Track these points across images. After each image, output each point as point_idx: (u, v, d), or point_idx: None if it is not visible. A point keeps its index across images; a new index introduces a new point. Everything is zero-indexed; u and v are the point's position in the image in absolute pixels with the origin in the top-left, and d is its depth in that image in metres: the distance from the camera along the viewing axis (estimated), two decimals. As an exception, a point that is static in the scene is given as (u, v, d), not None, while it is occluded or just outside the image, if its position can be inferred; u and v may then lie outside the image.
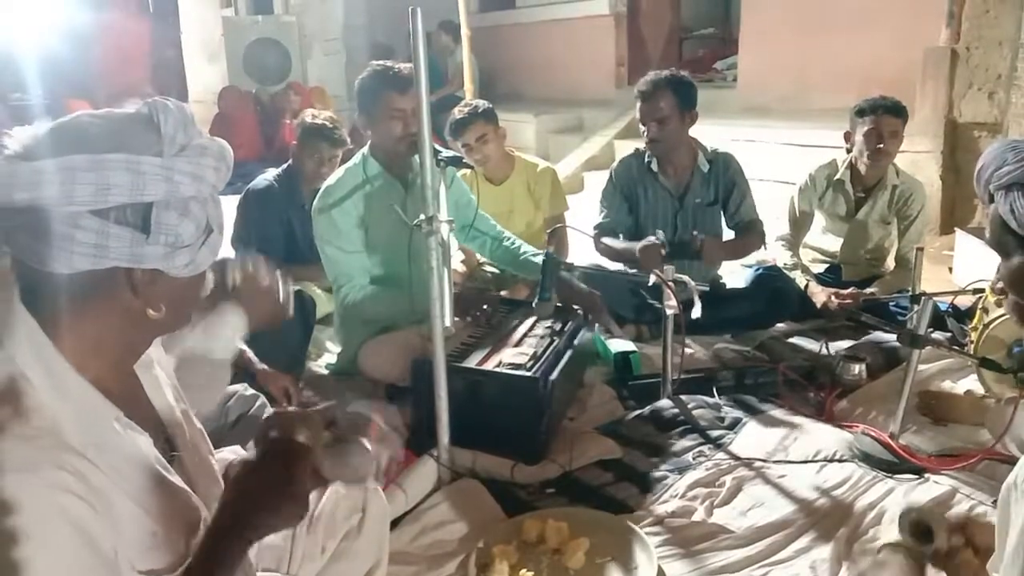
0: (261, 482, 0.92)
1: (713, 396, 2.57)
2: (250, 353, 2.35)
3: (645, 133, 3.10)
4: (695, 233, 3.00)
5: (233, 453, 1.26)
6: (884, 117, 3.15)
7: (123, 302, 0.91)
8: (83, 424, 0.87)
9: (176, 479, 0.99)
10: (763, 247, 3.31)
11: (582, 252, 3.47)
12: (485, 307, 2.63)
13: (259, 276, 1.50)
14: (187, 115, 0.92)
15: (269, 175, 3.31)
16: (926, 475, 2.07)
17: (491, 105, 3.47)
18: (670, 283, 2.37)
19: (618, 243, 3.19)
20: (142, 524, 0.90)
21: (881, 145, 3.17)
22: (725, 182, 3.21)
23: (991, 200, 1.09)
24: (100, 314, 0.91)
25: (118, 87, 6.79)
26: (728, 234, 3.32)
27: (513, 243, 2.96)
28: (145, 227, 0.88)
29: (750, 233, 3.23)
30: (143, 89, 6.99)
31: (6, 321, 0.89)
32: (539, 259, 2.60)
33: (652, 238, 2.83)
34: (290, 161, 3.33)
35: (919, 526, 1.63)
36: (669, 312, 2.40)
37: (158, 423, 1.04)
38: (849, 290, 3.17)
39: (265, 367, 2.40)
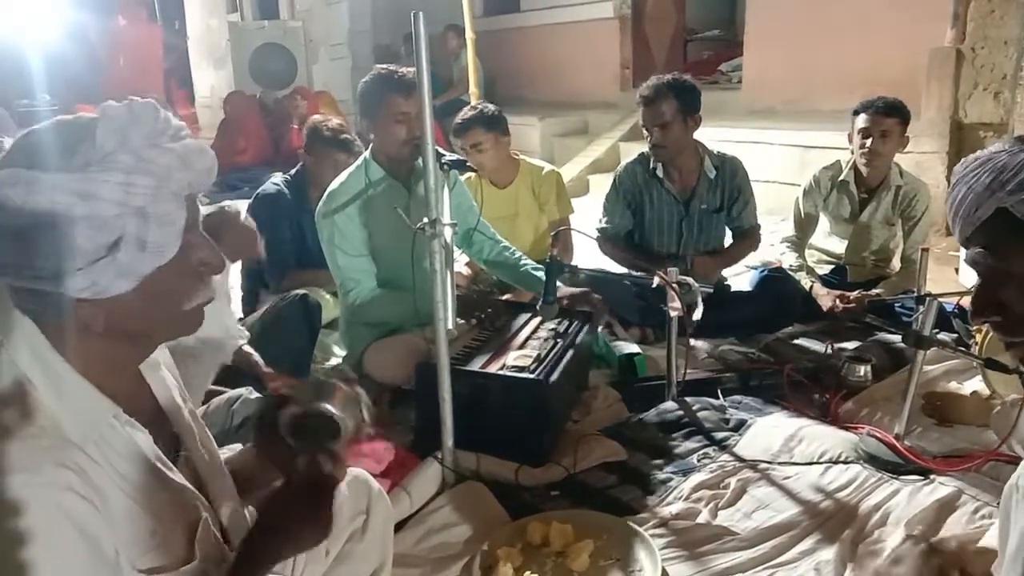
0: (291, 517, 0.95)
1: (718, 398, 2.58)
2: (256, 356, 2.36)
3: (648, 138, 3.10)
4: (689, 257, 3.00)
5: (231, 452, 1.26)
6: (875, 116, 3.15)
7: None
8: (82, 421, 0.88)
9: (177, 476, 1.00)
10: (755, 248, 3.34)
11: (586, 255, 3.48)
12: (489, 310, 2.63)
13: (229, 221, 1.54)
14: (127, 122, 0.88)
15: (278, 180, 3.31)
16: (931, 476, 2.06)
17: (496, 111, 3.42)
18: (674, 285, 2.37)
19: (627, 255, 3.21)
20: (141, 522, 0.91)
21: (869, 143, 3.17)
22: (731, 189, 3.21)
23: (971, 233, 1.02)
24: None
25: (126, 92, 6.81)
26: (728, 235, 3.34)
27: (513, 253, 2.96)
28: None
29: (747, 238, 3.26)
30: (151, 94, 7.01)
31: (5, 321, 0.90)
32: (540, 273, 2.60)
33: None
34: (299, 166, 3.34)
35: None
36: (673, 314, 2.40)
37: (164, 422, 1.04)
38: (855, 293, 3.16)
39: (271, 370, 2.41)
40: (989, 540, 1.67)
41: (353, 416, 1.03)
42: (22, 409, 0.85)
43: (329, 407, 0.99)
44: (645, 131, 3.10)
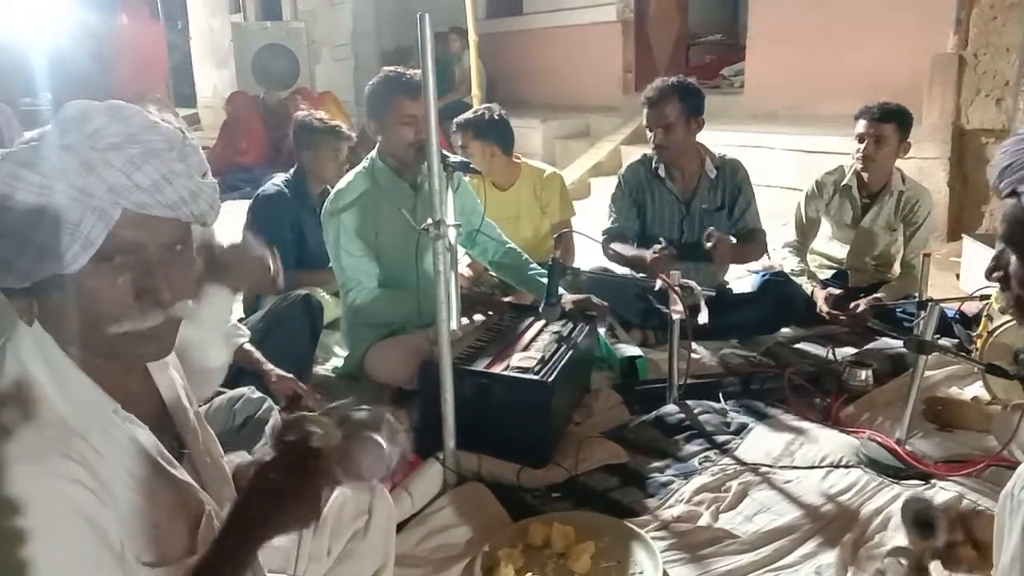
0: (275, 485, 0.91)
1: (719, 401, 2.58)
2: (257, 354, 2.35)
3: (652, 139, 3.11)
4: (711, 229, 2.95)
5: (239, 458, 1.26)
6: (871, 122, 3.17)
7: None
8: (83, 415, 0.89)
9: (181, 473, 1.00)
10: (767, 256, 3.32)
11: (588, 257, 3.48)
12: (490, 313, 2.64)
13: (245, 248, 1.50)
14: (70, 120, 0.87)
15: (278, 180, 3.33)
16: (932, 481, 2.06)
17: (491, 120, 3.39)
18: (676, 288, 2.37)
19: (628, 249, 3.21)
20: (145, 516, 0.91)
21: (863, 148, 3.18)
22: (732, 189, 3.22)
23: (1011, 195, 1.04)
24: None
25: (130, 90, 6.82)
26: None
27: (520, 255, 2.96)
28: None
29: (752, 241, 3.24)
30: (155, 93, 7.03)
31: (9, 317, 0.91)
32: (543, 279, 2.60)
33: (661, 247, 2.85)
34: (296, 166, 3.35)
35: (920, 520, 1.62)
36: (675, 317, 2.40)
37: (168, 421, 1.05)
38: (858, 307, 3.13)
39: (272, 368, 2.39)
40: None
41: (398, 445, 1.01)
42: (27, 402, 0.86)
43: (376, 437, 0.98)
44: (649, 131, 3.11)
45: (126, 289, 0.90)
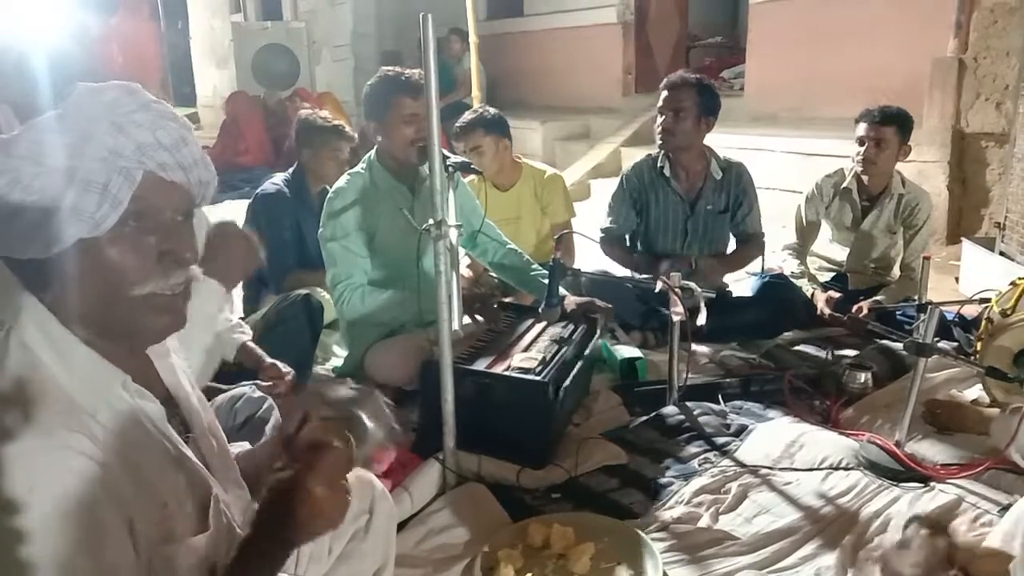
0: (309, 493, 0.91)
1: (719, 403, 2.58)
2: (259, 351, 2.34)
3: (660, 124, 3.11)
4: (693, 258, 3.02)
5: (240, 448, 1.27)
6: (871, 125, 3.17)
7: None
8: (91, 391, 0.89)
9: (189, 452, 1.00)
10: (761, 256, 3.34)
11: (589, 258, 3.48)
12: (479, 318, 2.63)
13: (226, 235, 1.56)
14: (90, 93, 0.91)
15: (278, 179, 3.33)
16: (932, 483, 2.06)
17: (497, 115, 3.44)
18: (677, 290, 2.37)
19: (630, 256, 3.22)
20: (154, 494, 0.91)
21: (863, 151, 3.19)
22: (736, 192, 3.23)
23: None
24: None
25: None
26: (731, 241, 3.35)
27: (521, 256, 2.96)
28: None
29: (750, 245, 3.28)
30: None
31: (12, 304, 0.91)
32: (544, 280, 2.60)
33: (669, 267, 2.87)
34: (296, 165, 3.35)
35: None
36: (675, 319, 2.41)
37: (173, 405, 1.05)
38: (856, 310, 3.14)
39: (269, 360, 2.33)
40: (990, 541, 1.66)
41: (383, 425, 1.03)
42: (33, 385, 0.86)
43: (361, 414, 0.99)
44: (659, 115, 3.11)
45: (150, 250, 0.92)
